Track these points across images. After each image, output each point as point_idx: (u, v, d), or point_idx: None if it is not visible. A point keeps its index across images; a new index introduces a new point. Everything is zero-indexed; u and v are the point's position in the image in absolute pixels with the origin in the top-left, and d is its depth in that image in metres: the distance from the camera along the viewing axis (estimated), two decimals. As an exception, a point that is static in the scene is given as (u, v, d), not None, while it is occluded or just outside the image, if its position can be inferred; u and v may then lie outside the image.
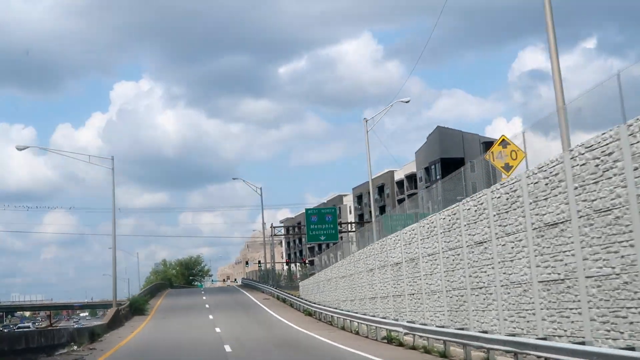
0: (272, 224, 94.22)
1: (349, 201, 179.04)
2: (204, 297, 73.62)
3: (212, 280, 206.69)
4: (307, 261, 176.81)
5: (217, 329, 40.38)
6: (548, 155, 19.58)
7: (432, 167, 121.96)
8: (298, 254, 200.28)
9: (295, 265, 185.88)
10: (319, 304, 51.74)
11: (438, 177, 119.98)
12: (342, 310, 43.09)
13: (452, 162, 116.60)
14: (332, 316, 43.61)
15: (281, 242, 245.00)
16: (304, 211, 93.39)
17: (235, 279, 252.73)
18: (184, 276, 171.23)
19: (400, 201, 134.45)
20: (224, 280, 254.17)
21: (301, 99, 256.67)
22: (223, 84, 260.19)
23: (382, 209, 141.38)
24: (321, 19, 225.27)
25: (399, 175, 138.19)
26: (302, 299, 60.81)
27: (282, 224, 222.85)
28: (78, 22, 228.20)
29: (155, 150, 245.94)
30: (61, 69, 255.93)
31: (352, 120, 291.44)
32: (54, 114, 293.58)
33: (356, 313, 38.39)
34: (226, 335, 36.53)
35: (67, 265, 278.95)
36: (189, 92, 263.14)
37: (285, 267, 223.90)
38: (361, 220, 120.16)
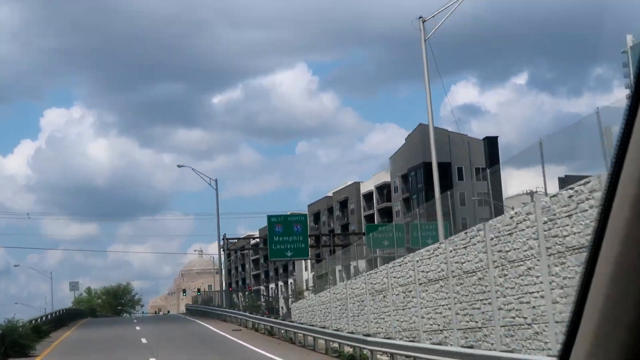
0: (225, 235, 73.46)
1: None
2: (138, 328, 49.66)
3: (143, 313, 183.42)
4: (252, 289, 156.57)
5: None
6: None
7: (412, 173, 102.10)
8: (240, 283, 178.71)
9: (237, 295, 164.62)
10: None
11: (420, 185, 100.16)
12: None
13: (438, 166, 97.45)
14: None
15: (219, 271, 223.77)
16: (266, 219, 72.75)
17: (169, 311, 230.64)
18: (111, 306, 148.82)
19: (369, 217, 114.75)
20: (155, 312, 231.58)
21: (235, 130, 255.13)
22: (156, 112, 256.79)
23: (344, 227, 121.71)
24: (256, 48, 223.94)
25: (367, 187, 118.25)
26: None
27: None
28: (8, 46, 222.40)
29: (86, 179, 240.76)
30: None
31: (286, 152, 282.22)
32: None
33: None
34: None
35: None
36: (122, 120, 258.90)
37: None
38: (317, 243, 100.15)
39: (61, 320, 50.44)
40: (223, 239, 73.57)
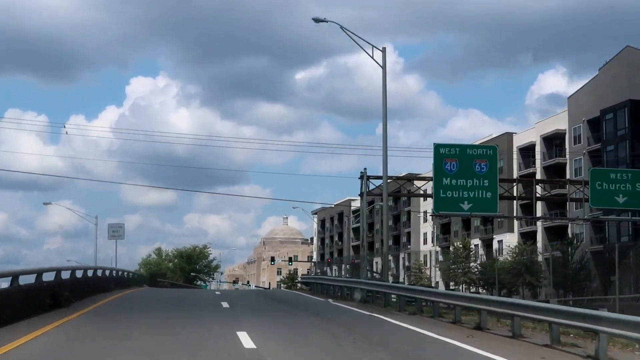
0: (365, 171, 46.18)
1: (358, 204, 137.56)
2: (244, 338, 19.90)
3: (219, 282, 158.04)
4: (355, 262, 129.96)
5: None
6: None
7: (609, 116, 73.11)
8: (336, 254, 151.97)
9: (331, 268, 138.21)
10: None
11: (622, 131, 71.34)
12: None
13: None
14: None
15: (310, 239, 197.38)
16: (433, 148, 45.32)
17: (248, 282, 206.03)
18: (184, 272, 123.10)
19: (525, 177, 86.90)
20: (233, 281, 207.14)
21: (316, 107, 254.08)
22: (239, 86, 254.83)
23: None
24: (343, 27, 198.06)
25: (524, 139, 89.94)
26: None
27: (315, 216, 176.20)
28: (96, 14, 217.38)
29: (166, 148, 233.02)
30: (77, 59, 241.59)
31: (366, 132, 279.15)
32: (67, 104, 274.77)
33: None
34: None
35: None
36: (204, 91, 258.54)
37: (318, 272, 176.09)
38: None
39: (66, 293, 23.56)
40: (361, 177, 46.40)
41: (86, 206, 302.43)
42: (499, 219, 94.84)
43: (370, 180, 46.84)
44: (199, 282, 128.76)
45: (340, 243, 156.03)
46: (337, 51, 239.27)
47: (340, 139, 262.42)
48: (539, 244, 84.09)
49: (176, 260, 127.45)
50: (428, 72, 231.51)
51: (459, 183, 46.24)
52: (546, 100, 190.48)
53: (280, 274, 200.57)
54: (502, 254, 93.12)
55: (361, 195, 47.57)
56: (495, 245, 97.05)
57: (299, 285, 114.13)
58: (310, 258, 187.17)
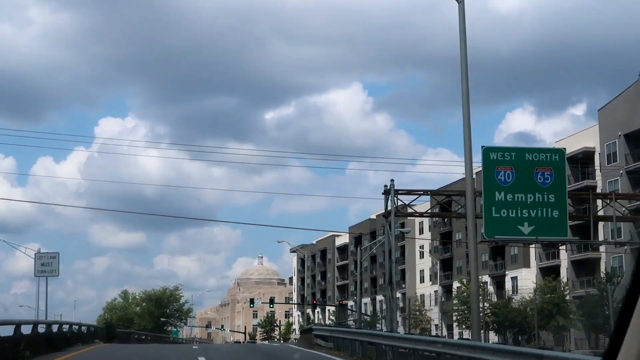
0: (392, 182, 34.65)
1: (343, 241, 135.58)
2: None
3: (191, 327, 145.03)
4: (342, 303, 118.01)
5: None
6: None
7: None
8: (319, 295, 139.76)
9: (314, 311, 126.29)
10: None
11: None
12: None
13: None
14: None
15: (289, 279, 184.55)
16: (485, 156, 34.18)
17: (222, 326, 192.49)
18: (152, 317, 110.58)
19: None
20: (206, 325, 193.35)
21: (286, 146, 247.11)
22: (208, 125, 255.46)
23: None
24: (311, 66, 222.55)
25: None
26: None
27: (294, 254, 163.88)
28: (65, 52, 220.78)
29: (135, 189, 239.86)
30: (44, 99, 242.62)
31: (336, 172, 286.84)
32: (35, 145, 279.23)
33: None
34: None
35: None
36: (173, 131, 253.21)
37: (297, 314, 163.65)
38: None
39: None
40: (386, 192, 34.91)
41: (54, 248, 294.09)
42: (513, 253, 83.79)
43: (398, 196, 35.19)
44: (169, 328, 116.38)
45: (323, 283, 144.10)
46: (306, 90, 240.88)
47: (310, 179, 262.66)
48: (564, 281, 72.80)
49: (144, 304, 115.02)
50: (397, 110, 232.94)
51: (516, 198, 35.16)
52: (514, 138, 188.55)
53: (257, 317, 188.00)
54: (516, 292, 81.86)
55: (386, 215, 35.92)
56: (508, 282, 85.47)
57: (294, 336, 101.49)
58: (288, 300, 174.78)
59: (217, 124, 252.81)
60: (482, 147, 35.44)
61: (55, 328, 28.39)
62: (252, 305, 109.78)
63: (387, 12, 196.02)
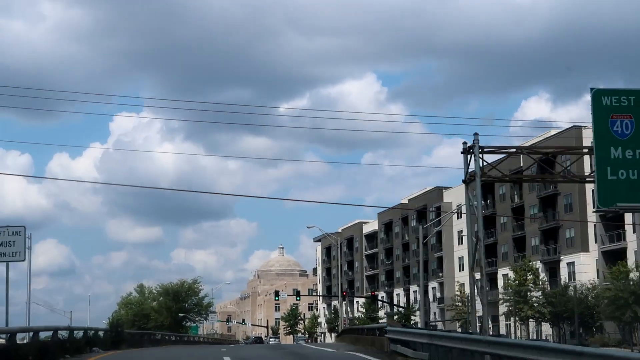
0: (476, 137, 26.72)
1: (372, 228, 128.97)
2: None
3: (211, 322, 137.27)
4: (374, 294, 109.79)
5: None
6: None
7: None
8: (346, 286, 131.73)
9: (346, 304, 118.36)
10: None
11: None
12: None
13: None
14: None
15: (314, 270, 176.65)
16: (590, 96, 25.99)
17: (244, 320, 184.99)
18: (170, 312, 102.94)
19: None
20: (227, 319, 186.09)
21: (301, 138, 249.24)
22: (222, 118, 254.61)
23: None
24: (325, 57, 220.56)
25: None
26: None
27: (318, 243, 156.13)
28: (78, 47, 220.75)
29: (150, 183, 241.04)
30: (58, 95, 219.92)
31: (351, 162, 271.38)
32: (51, 141, 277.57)
33: None
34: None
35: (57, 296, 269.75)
36: (188, 125, 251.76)
37: (323, 307, 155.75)
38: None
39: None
40: (466, 150, 27.01)
41: (71, 244, 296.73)
42: (569, 235, 75.58)
43: (483, 154, 27.09)
44: (188, 323, 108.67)
45: (350, 273, 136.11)
46: (320, 82, 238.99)
47: (325, 170, 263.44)
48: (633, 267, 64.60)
49: (161, 298, 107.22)
50: (411, 100, 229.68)
51: (637, 155, 26.96)
52: (530, 126, 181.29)
53: (279, 310, 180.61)
54: (573, 279, 73.78)
55: (467, 180, 27.85)
56: (563, 269, 77.07)
57: (320, 330, 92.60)
58: (311, 291, 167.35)
59: (231, 116, 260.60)
60: (591, 89, 27.37)
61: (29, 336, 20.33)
62: (277, 298, 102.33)
63: (400, 1, 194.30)
